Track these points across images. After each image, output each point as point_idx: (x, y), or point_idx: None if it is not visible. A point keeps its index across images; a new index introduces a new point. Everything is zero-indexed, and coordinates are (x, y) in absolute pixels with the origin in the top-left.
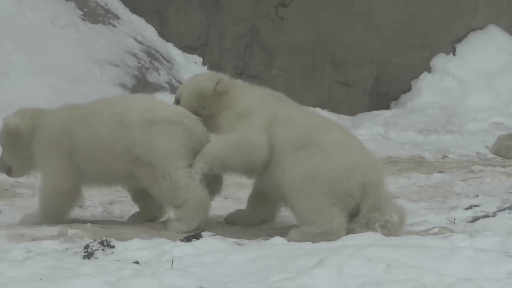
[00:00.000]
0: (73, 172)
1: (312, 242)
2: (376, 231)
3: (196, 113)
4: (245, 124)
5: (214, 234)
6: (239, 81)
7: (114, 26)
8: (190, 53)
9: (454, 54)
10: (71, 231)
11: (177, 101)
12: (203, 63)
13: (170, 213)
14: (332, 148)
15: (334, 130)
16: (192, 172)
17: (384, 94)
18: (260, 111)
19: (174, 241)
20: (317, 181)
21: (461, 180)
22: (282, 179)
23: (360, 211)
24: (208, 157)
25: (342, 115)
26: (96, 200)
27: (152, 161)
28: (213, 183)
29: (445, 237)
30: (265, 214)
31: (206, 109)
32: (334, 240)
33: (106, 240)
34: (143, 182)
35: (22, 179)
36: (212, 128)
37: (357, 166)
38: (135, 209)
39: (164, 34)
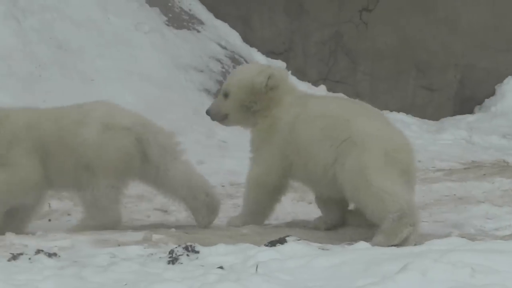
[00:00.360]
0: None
1: (396, 238)
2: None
3: (245, 108)
4: (268, 146)
5: (299, 239)
6: (288, 76)
7: (198, 31)
8: (273, 58)
9: None
10: (156, 236)
11: (226, 95)
12: (287, 68)
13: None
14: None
15: (358, 117)
16: (239, 223)
17: (468, 98)
18: (283, 121)
19: (259, 246)
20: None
21: None
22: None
23: None
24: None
25: (426, 120)
26: (181, 205)
27: (95, 170)
28: None
29: None
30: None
31: (257, 104)
32: (412, 221)
33: (191, 245)
34: (74, 184)
35: None
36: (252, 126)
37: (391, 153)
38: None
39: (248, 39)
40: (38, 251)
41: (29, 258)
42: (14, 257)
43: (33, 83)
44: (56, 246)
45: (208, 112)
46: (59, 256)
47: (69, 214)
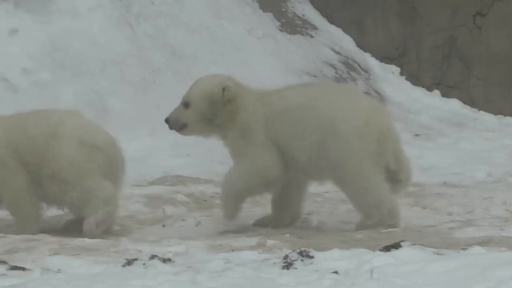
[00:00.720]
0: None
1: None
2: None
3: (207, 120)
4: (249, 147)
5: (413, 243)
6: (242, 87)
7: (311, 36)
8: (387, 63)
9: None
10: (270, 242)
11: (186, 105)
12: (401, 73)
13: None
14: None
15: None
16: (225, 217)
17: None
18: (256, 123)
19: (373, 251)
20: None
21: None
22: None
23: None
24: (231, 200)
25: None
26: None
27: (67, 177)
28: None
29: None
30: (291, 216)
31: (218, 117)
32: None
33: (305, 250)
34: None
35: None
36: (223, 139)
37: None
38: (334, 220)
39: (361, 45)
40: (153, 257)
41: (144, 264)
42: (129, 262)
43: (147, 89)
44: (170, 251)
45: (167, 120)
46: (174, 261)
47: (183, 220)
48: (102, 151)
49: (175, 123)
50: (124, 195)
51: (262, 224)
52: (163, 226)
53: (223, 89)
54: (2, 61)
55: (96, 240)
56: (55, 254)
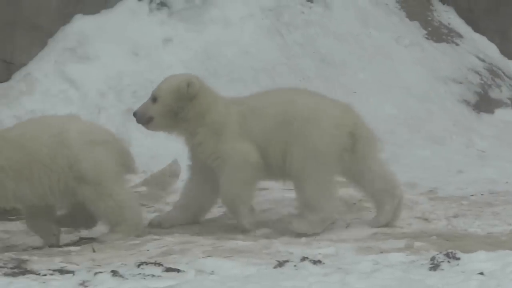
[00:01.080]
0: None
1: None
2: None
3: (172, 114)
4: (225, 144)
5: None
6: (208, 88)
7: (457, 44)
8: None
9: None
10: (417, 244)
11: (154, 99)
12: None
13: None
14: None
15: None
16: (244, 227)
17: None
18: (230, 122)
19: None
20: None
21: None
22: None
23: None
24: (239, 205)
25: None
26: (441, 213)
27: (98, 179)
28: None
29: None
30: (194, 215)
31: (184, 111)
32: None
33: (452, 252)
34: (86, 199)
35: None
36: (186, 134)
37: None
38: (479, 222)
39: (505, 52)
40: (304, 259)
41: (295, 265)
42: (280, 264)
43: None
44: (320, 253)
45: (135, 114)
46: (324, 263)
47: (333, 223)
48: (112, 143)
49: (142, 117)
50: (274, 198)
51: (158, 223)
52: None
53: (188, 85)
54: (156, 69)
55: (249, 243)
56: (208, 256)
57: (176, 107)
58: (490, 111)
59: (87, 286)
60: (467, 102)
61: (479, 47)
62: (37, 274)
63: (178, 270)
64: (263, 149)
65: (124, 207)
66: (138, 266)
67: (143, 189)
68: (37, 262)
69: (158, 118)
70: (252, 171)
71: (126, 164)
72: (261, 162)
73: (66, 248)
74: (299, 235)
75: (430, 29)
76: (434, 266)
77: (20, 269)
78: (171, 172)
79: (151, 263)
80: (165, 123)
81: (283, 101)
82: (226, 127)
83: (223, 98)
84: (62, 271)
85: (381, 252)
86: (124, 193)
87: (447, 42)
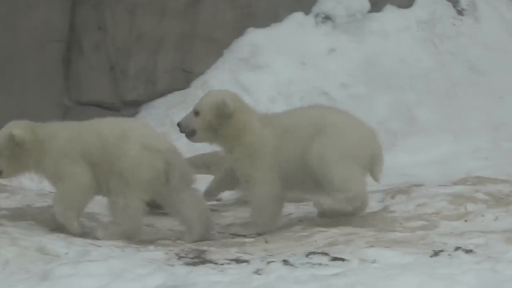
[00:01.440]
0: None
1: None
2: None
3: (213, 129)
4: (257, 172)
5: None
6: (245, 107)
7: None
8: None
9: None
10: None
11: (196, 113)
12: None
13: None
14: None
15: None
16: (263, 231)
17: None
18: (264, 145)
19: None
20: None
21: None
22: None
23: None
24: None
25: None
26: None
27: (128, 178)
28: None
29: None
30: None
31: (223, 127)
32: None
33: None
34: (111, 190)
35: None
36: (225, 149)
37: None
38: None
39: None
40: (457, 248)
41: (449, 255)
42: (436, 253)
43: (449, 100)
44: (471, 243)
45: (179, 124)
46: (475, 252)
47: (482, 216)
48: (163, 154)
49: (186, 128)
50: (429, 193)
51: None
52: (465, 221)
53: (223, 104)
54: (322, 77)
55: (407, 234)
56: (370, 246)
57: (215, 123)
58: None
59: (260, 274)
60: None
61: None
62: (215, 263)
63: (343, 259)
64: (293, 163)
65: (127, 213)
66: (307, 255)
67: None
68: (214, 252)
69: (200, 131)
70: (274, 202)
71: (173, 176)
72: (282, 192)
73: (240, 240)
74: (323, 213)
75: None
76: None
77: (200, 259)
78: None
79: (319, 252)
80: (207, 136)
81: (306, 120)
82: (260, 152)
83: (260, 117)
84: (238, 261)
85: None
86: (137, 202)
87: None
